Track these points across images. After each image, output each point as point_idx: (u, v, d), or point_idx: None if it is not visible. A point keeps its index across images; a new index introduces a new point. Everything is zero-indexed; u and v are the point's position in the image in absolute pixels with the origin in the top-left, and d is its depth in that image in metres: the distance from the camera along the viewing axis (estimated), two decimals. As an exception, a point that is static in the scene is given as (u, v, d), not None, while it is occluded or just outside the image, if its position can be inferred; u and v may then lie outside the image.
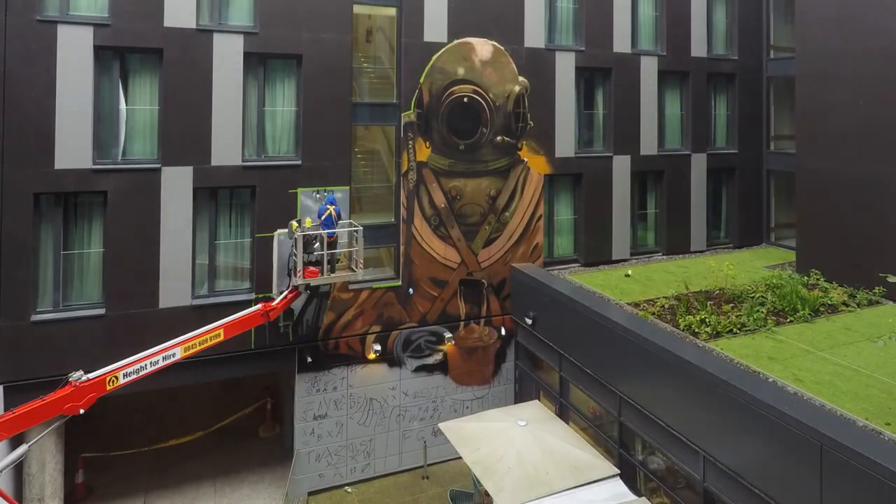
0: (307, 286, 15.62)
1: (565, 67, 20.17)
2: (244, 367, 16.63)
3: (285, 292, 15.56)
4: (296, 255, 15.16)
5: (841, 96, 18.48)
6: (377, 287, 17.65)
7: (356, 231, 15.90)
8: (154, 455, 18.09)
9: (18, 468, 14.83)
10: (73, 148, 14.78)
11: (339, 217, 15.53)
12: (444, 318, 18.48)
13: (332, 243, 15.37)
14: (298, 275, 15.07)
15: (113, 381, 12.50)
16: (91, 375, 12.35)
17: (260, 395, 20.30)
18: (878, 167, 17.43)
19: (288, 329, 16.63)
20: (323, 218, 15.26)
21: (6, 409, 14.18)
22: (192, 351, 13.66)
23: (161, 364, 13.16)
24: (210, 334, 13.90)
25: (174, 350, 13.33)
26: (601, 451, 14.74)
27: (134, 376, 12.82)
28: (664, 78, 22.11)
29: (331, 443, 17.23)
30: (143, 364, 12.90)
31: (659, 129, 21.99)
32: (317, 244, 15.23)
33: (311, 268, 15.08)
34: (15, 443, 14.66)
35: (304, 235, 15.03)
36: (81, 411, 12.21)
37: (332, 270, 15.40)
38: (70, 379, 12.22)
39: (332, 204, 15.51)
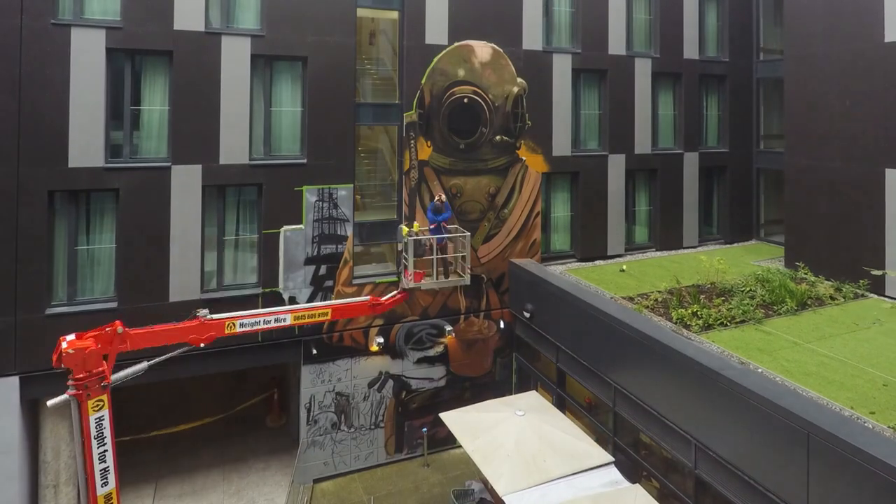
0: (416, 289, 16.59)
1: (562, 69, 20.58)
2: (252, 358, 16.96)
3: (395, 293, 16.29)
4: (406, 259, 15.99)
5: (827, 97, 18.92)
6: (380, 282, 18.05)
7: (464, 237, 16.75)
8: (164, 443, 18.52)
9: (34, 455, 15.29)
10: (86, 147, 15.12)
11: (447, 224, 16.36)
12: (445, 312, 18.87)
13: (443, 249, 16.35)
14: (408, 277, 15.89)
15: (231, 327, 13.17)
16: (215, 316, 13.02)
17: (267, 386, 20.71)
18: (863, 165, 17.88)
19: (294, 322, 17.08)
20: (439, 217, 16.25)
21: (22, 400, 14.62)
22: (300, 321, 14.44)
23: (272, 325, 13.84)
24: (319, 311, 14.60)
25: (285, 315, 14.01)
26: (596, 439, 14.95)
27: (248, 328, 13.52)
28: (657, 79, 22.54)
29: (335, 432, 17.69)
30: (257, 320, 13.59)
31: (652, 128, 22.42)
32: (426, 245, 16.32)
33: (419, 271, 15.98)
34: (30, 431, 15.16)
35: (413, 240, 16.06)
36: (202, 345, 12.83)
37: (446, 275, 16.32)
38: (197, 314, 12.81)
39: (439, 201, 16.45)
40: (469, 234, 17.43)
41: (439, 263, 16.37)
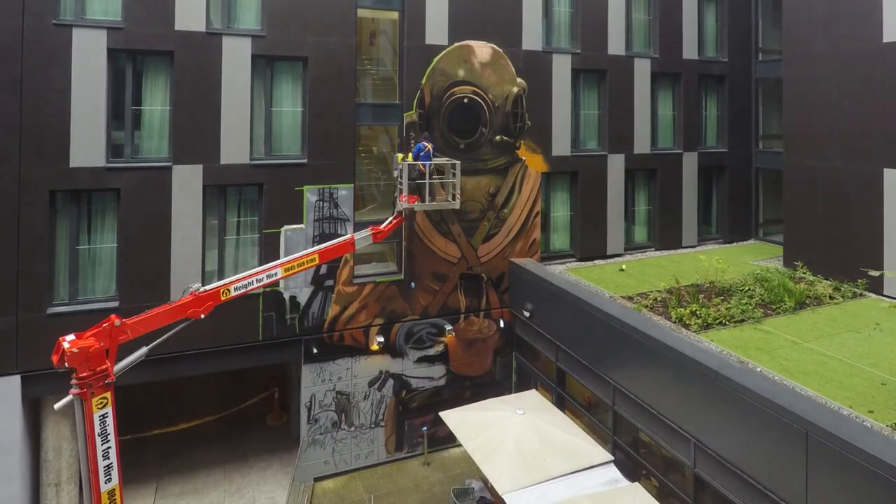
0: (410, 211, 17.69)
1: (562, 69, 20.66)
2: (252, 358, 17.02)
3: (391, 219, 17.21)
4: (401, 184, 17.22)
5: (826, 97, 18.99)
6: (380, 281, 18.12)
7: (454, 165, 17.86)
8: (165, 443, 18.59)
9: (36, 454, 15.35)
10: (87, 147, 15.15)
11: (433, 153, 17.60)
12: (445, 311, 18.94)
13: (430, 175, 17.32)
14: (402, 200, 17.16)
15: (226, 293, 13.40)
16: (207, 287, 13.24)
17: (267, 385, 20.78)
18: (861, 164, 17.93)
19: (294, 321, 17.13)
20: (422, 154, 17.15)
21: (24, 399, 14.68)
22: (291, 272, 14.78)
23: (265, 281, 14.17)
24: (307, 258, 14.99)
25: (276, 270, 14.32)
26: (596, 438, 15.01)
27: (242, 290, 13.74)
28: (657, 79, 22.61)
29: (335, 431, 17.76)
30: (250, 280, 13.83)
31: (652, 128, 22.49)
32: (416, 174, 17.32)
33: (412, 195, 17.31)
34: (32, 430, 15.21)
35: (408, 164, 17.07)
36: (202, 316, 12.99)
37: (432, 199, 17.50)
38: (191, 289, 12.96)
39: (428, 142, 17.40)
40: (458, 162, 18.13)
41: (429, 188, 17.28)
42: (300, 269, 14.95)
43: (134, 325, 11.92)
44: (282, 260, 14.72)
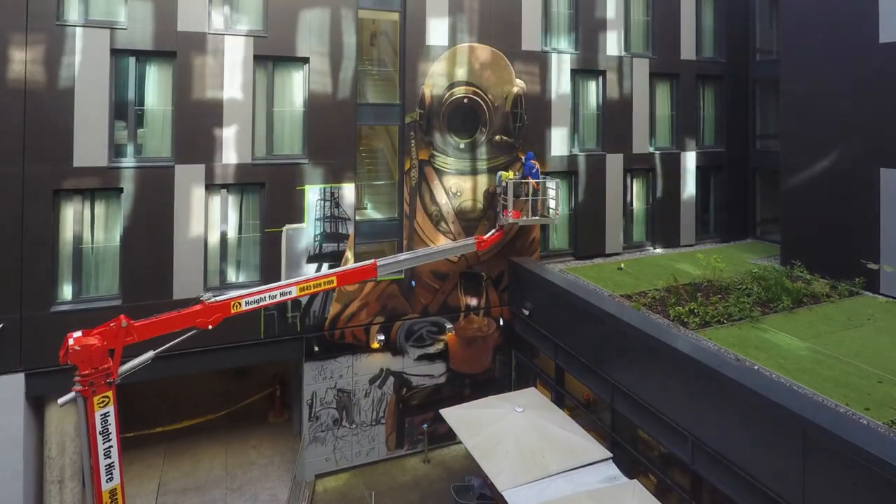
0: (513, 225, 19.06)
1: (561, 69, 20.78)
2: (254, 355, 17.17)
3: (493, 231, 18.85)
4: (505, 200, 18.51)
5: (823, 96, 19.11)
6: (381, 279, 18.22)
7: (556, 184, 19.63)
8: (168, 440, 18.70)
9: (39, 451, 15.43)
10: (90, 146, 15.25)
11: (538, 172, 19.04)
12: (445, 310, 19.05)
13: (535, 192, 18.73)
14: (507, 215, 18.44)
15: (237, 307, 13.17)
16: (219, 298, 13.06)
17: (269, 383, 20.89)
18: (858, 164, 18.05)
19: (296, 319, 17.23)
20: (532, 171, 18.68)
21: (27, 396, 14.77)
22: (306, 292, 14.38)
23: (278, 299, 13.90)
24: (324, 279, 14.71)
25: (290, 288, 14.04)
26: (595, 435, 15.11)
27: (254, 305, 13.50)
28: (655, 79, 22.72)
29: (336, 428, 17.88)
30: (262, 296, 13.62)
31: (650, 128, 22.60)
32: (523, 192, 18.72)
33: (516, 210, 18.57)
34: (36, 427, 15.29)
35: (514, 182, 18.45)
36: (210, 327, 12.84)
37: (535, 214, 18.83)
38: (202, 298, 12.85)
39: (533, 159, 19.10)
40: (557, 180, 19.96)
41: (531, 204, 18.62)
42: (316, 290, 14.65)
43: (140, 329, 11.95)
44: (298, 279, 14.43)
